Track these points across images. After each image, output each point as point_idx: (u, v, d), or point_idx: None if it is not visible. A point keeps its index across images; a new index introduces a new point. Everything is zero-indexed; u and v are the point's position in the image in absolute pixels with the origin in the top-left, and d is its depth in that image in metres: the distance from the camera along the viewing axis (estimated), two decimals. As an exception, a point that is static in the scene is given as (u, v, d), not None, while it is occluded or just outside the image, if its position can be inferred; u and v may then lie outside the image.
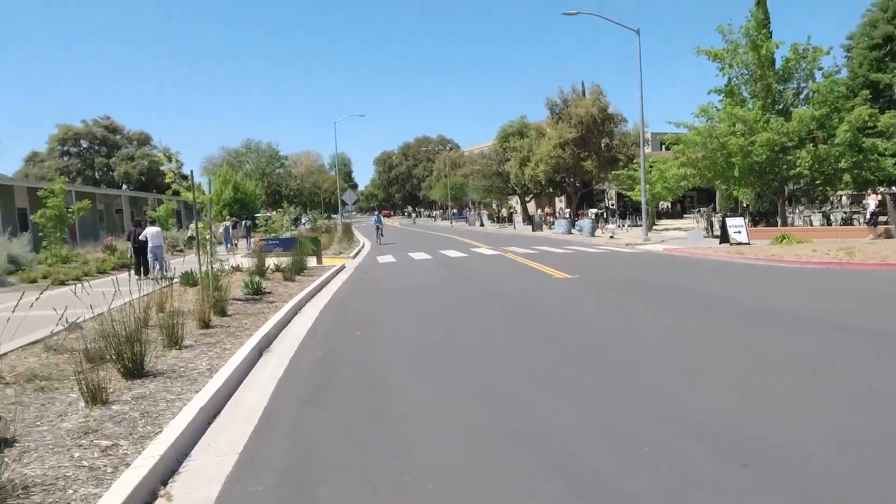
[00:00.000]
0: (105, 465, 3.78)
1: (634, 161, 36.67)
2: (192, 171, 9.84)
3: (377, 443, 4.20)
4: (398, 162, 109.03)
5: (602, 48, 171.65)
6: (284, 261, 15.45)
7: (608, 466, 3.64)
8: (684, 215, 50.92)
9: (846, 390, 4.96)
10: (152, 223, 16.86)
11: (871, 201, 20.38)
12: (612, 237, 28.22)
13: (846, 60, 27.02)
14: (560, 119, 40.24)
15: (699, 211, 44.07)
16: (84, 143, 73.38)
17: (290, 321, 9.23)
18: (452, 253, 21.97)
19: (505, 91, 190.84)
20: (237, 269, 14.66)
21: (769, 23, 23.78)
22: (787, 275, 12.77)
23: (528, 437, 4.19)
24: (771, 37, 23.24)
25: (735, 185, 24.54)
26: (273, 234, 20.53)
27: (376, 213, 32.07)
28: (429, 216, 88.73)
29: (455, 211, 73.36)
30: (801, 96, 23.58)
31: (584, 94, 41.98)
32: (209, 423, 4.76)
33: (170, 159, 9.52)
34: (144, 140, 74.60)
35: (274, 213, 37.28)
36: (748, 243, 19.87)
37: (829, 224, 26.44)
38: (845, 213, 29.35)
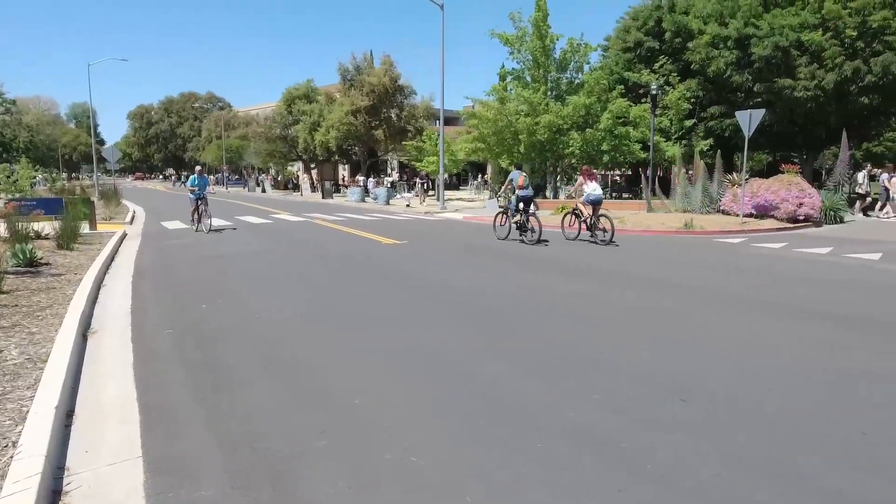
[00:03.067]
0: (-50, 499, 2.67)
1: (424, 133, 38.06)
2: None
3: (327, 410, 3.69)
4: (159, 118, 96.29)
5: (401, 19, 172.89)
6: (46, 226, 12.70)
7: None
8: (460, 187, 54.77)
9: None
10: None
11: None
12: (408, 205, 28.94)
13: (603, 59, 31.38)
14: (352, 86, 39.61)
15: (475, 183, 47.75)
16: None
17: (97, 297, 7.60)
18: (252, 219, 20.35)
19: (287, 53, 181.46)
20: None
21: (548, 16, 26.36)
22: (580, 240, 14.52)
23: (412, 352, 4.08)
24: (550, 29, 25.84)
25: (519, 159, 26.96)
26: (23, 194, 16.58)
27: (195, 173, 16.41)
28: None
29: (232, 176, 67.94)
30: (573, 85, 26.77)
31: (373, 63, 41.86)
32: (68, 426, 3.68)
33: None
34: None
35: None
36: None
37: (588, 199, 30.80)
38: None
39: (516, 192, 13.29)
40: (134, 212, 24.09)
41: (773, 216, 17.56)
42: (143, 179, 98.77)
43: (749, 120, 16.33)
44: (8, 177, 17.52)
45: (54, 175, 46.82)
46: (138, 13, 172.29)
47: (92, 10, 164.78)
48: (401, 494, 2.89)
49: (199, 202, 15.87)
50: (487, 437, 3.50)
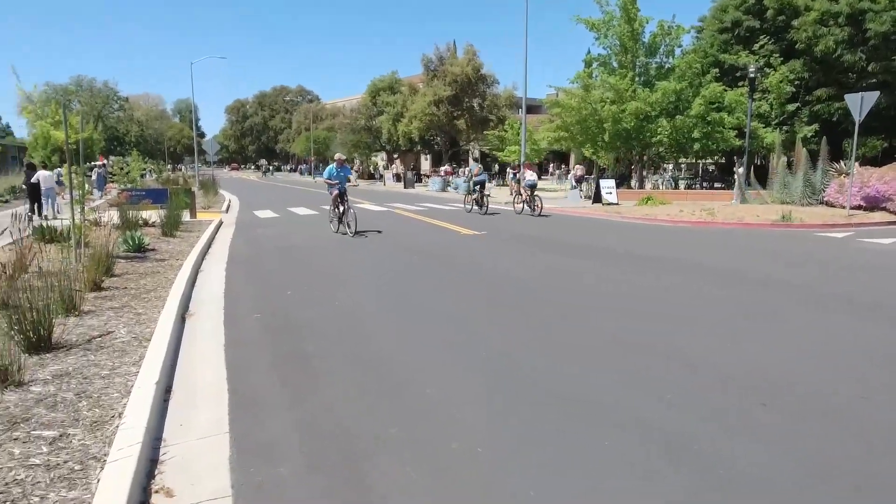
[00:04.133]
0: (66, 462, 3.00)
1: (507, 122, 37.76)
2: (64, 103, 8.14)
3: (421, 413, 3.81)
4: (253, 112, 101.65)
5: (485, 7, 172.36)
6: (153, 214, 13.79)
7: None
8: (542, 177, 53.95)
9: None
10: (44, 167, 18.42)
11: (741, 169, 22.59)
12: (488, 195, 28.84)
13: (696, 41, 29.74)
14: (435, 76, 39.97)
15: (556, 173, 46.87)
16: None
17: (195, 281, 8.19)
18: (337, 209, 21.09)
19: (371, 45, 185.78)
20: (96, 223, 12.68)
21: (637, -1, 25.28)
22: (669, 232, 13.95)
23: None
24: (639, 12, 24.78)
25: (603, 149, 26.21)
26: (133, 185, 18.07)
27: (333, 163, 13.66)
28: (291, 170, 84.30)
29: (318, 166, 70.49)
30: (663, 70, 25.58)
31: (456, 53, 42.00)
32: (166, 401, 4.02)
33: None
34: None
35: (104, 161, 32.76)
36: (618, 203, 21.44)
37: (677, 188, 29.48)
38: (688, 178, 32.97)
39: (472, 178, 19.10)
40: (229, 201, 25.62)
41: (885, 208, 16.06)
42: (237, 169, 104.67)
43: (861, 103, 14.98)
44: (121, 169, 19.11)
45: (160, 166, 50.63)
46: (235, 14, 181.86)
47: (194, 12, 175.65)
48: (464, 482, 2.94)
49: (340, 198, 13.20)
50: (550, 431, 3.48)
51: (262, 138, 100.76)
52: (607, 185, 22.21)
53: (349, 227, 12.86)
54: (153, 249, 10.34)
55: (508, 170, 33.58)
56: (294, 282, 8.12)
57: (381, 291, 7.52)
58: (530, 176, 18.99)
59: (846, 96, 16.07)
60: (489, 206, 18.85)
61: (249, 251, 11.15)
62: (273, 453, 3.27)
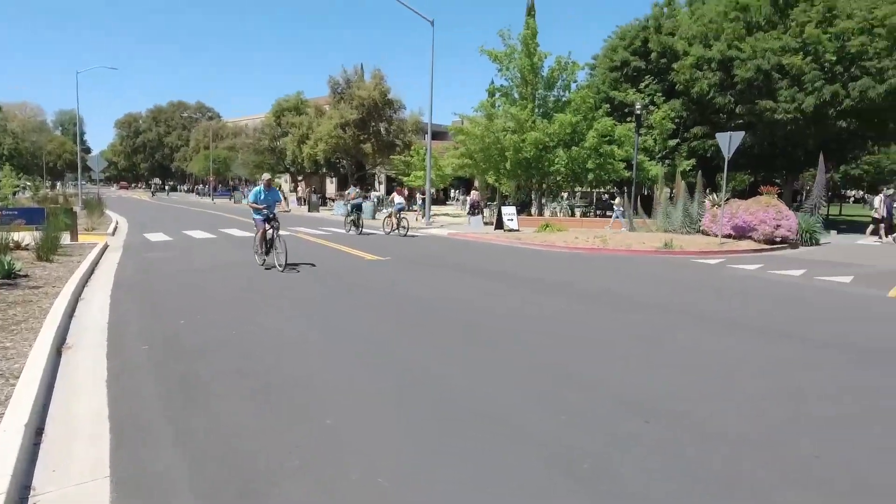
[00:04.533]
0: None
1: (412, 147, 38.27)
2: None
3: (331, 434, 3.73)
4: (147, 127, 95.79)
5: (393, 31, 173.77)
6: (27, 236, 12.66)
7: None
8: (447, 202, 55.00)
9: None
10: None
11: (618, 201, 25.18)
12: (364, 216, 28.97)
13: (590, 77, 31.85)
14: (342, 99, 39.82)
15: (460, 199, 48.05)
16: None
17: (73, 311, 7.58)
18: (236, 231, 20.32)
19: (277, 64, 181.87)
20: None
21: (537, 34, 26.76)
22: (566, 258, 14.69)
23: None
24: (538, 47, 26.23)
25: (505, 176, 27.22)
26: (5, 203, 16.43)
27: (260, 183, 11.99)
28: (188, 191, 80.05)
29: (217, 187, 67.63)
30: (560, 103, 27.13)
31: (363, 76, 42.13)
32: (37, 444, 3.69)
33: None
34: None
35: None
36: (518, 230, 22.28)
37: (573, 215, 31.15)
38: (583, 206, 34.93)
39: (350, 202, 21.40)
40: (117, 222, 23.95)
41: (751, 237, 17.86)
42: (127, 189, 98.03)
43: (729, 141, 16.66)
44: (-10, 185, 17.38)
45: (37, 183, 46.36)
46: (128, 19, 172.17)
47: (82, 15, 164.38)
48: (364, 516, 2.94)
49: (268, 224, 11.48)
50: (446, 447, 3.56)
51: (155, 155, 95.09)
52: (508, 211, 23.04)
53: (277, 259, 11.25)
54: (26, 276, 9.44)
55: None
56: (188, 309, 7.73)
57: (287, 316, 7.34)
58: (398, 200, 21.44)
59: (717, 135, 17.81)
60: (363, 227, 21.11)
61: (138, 277, 10.48)
62: (160, 493, 3.10)
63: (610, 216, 26.63)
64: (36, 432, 3.84)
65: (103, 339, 6.23)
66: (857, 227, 26.99)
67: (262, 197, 11.60)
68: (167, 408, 4.32)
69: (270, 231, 11.45)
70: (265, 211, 11.46)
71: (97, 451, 3.61)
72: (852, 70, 24.17)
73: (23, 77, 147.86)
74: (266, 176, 12.30)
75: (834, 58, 24.05)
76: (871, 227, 22.13)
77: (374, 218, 30.03)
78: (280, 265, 11.11)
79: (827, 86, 24.02)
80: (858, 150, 31.07)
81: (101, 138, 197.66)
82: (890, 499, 3.24)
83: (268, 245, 11.54)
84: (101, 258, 12.95)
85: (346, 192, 23.67)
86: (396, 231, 20.31)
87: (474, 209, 26.18)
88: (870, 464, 3.60)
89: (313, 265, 12.09)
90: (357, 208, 20.87)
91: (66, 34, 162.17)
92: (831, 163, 27.02)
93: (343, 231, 21.13)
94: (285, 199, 10.48)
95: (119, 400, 4.44)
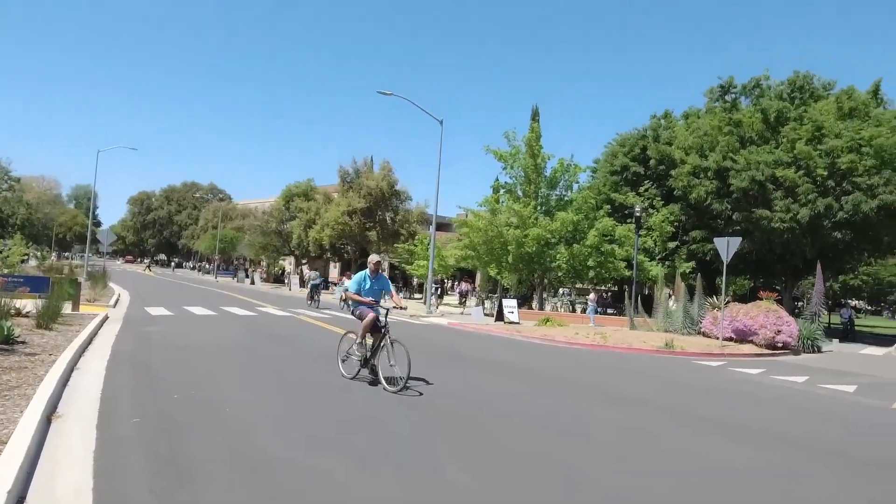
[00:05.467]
0: None
1: (417, 237, 39.01)
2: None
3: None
4: (159, 205, 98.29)
5: (404, 127, 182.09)
6: (30, 304, 12.74)
7: None
8: (448, 292, 55.21)
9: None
10: None
11: (593, 296, 26.68)
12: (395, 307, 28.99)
13: (592, 179, 33.08)
14: (351, 188, 41.12)
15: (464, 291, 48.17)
16: None
17: (68, 380, 7.51)
18: (237, 310, 20.34)
19: (289, 150, 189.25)
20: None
21: (541, 137, 28.10)
22: (566, 353, 14.59)
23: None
24: (542, 149, 27.44)
25: (507, 269, 27.56)
26: (11, 270, 16.62)
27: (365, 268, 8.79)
28: (192, 268, 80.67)
29: (222, 266, 68.23)
30: (562, 202, 27.98)
31: (373, 167, 43.78)
32: (17, 514, 3.59)
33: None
34: None
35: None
36: (519, 322, 22.25)
37: (574, 311, 31.16)
38: (583, 303, 35.00)
39: (311, 281, 26.76)
40: (119, 295, 24.04)
41: (751, 341, 17.79)
42: (132, 262, 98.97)
43: (727, 246, 17.00)
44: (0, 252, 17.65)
45: (44, 253, 46.98)
46: (150, 103, 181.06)
47: (104, 97, 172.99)
48: None
49: (381, 326, 8.18)
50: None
51: (164, 232, 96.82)
52: (510, 304, 23.13)
53: (389, 376, 7.87)
54: (23, 342, 9.41)
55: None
56: (184, 384, 7.65)
57: (285, 396, 7.24)
58: (347, 282, 24.69)
59: (715, 239, 18.21)
60: (320, 302, 26.17)
61: (136, 349, 10.43)
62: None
63: (611, 313, 26.72)
64: (17, 502, 3.74)
65: (95, 409, 6.14)
66: (859, 336, 26.86)
67: (366, 286, 8.48)
68: (155, 485, 4.21)
69: (381, 339, 8.19)
70: (373, 305, 8.33)
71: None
72: (844, 185, 25.07)
73: (43, 152, 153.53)
74: (375, 258, 8.93)
75: (825, 173, 25.03)
76: None
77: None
78: (394, 388, 7.69)
79: (820, 198, 24.83)
80: (855, 261, 31.55)
81: (112, 213, 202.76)
82: None
83: (372, 349, 8.32)
84: (100, 329, 12.93)
85: (310, 272, 30.11)
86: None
87: (463, 297, 29.31)
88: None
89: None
90: (315, 287, 26.28)
91: (88, 114, 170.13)
92: (829, 272, 27.36)
93: (342, 314, 20.98)
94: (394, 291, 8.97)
95: (105, 473, 4.34)
